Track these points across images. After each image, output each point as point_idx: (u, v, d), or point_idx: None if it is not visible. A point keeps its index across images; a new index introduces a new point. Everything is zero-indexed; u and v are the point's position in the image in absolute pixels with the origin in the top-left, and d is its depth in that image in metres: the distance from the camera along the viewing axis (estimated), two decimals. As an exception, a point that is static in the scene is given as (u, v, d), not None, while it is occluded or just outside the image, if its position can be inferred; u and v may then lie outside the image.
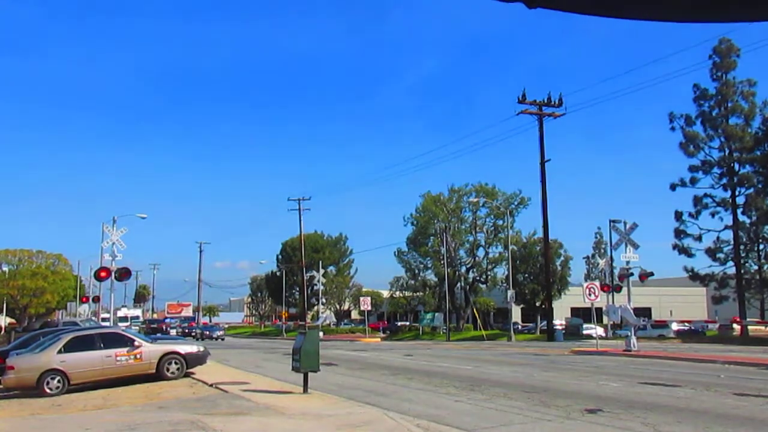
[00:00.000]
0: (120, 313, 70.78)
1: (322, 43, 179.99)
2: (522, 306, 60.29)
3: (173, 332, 63.31)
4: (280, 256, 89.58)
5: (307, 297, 74.57)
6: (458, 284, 62.44)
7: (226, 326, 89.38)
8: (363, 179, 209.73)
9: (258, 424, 10.77)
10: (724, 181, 44.19)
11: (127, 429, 10.52)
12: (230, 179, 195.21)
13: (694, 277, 45.79)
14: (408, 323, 69.05)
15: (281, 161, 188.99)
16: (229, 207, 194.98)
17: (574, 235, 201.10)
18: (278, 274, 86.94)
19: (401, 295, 68.92)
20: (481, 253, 63.41)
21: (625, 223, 29.98)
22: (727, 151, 44.34)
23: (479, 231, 63.46)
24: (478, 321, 57.16)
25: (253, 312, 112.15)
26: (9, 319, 67.64)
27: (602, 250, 63.10)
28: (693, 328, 48.84)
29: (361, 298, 61.38)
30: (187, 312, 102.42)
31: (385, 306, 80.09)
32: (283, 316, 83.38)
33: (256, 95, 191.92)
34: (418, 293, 66.85)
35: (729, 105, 43.78)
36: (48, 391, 16.56)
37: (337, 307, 79.06)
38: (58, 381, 16.79)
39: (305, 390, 14.29)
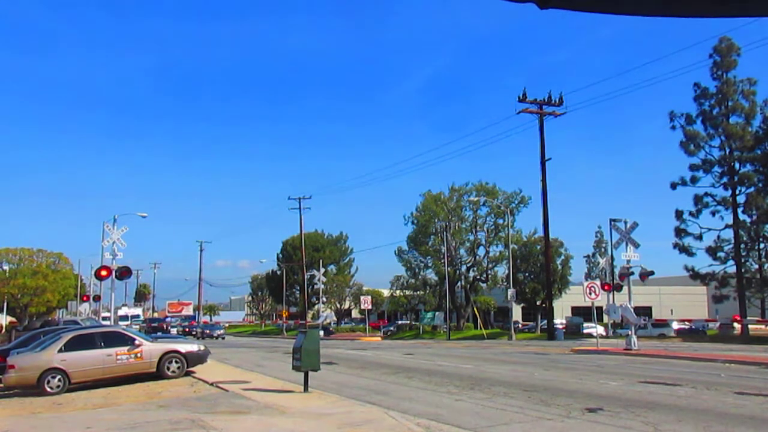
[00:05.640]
0: (121, 312, 70.86)
1: (324, 43, 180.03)
2: (522, 305, 60.27)
3: (174, 331, 63.32)
4: (280, 255, 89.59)
5: (307, 296, 74.58)
6: (459, 283, 62.42)
7: (227, 325, 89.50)
8: (364, 178, 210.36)
9: (258, 423, 10.78)
10: (725, 179, 44.13)
11: (127, 428, 10.52)
12: (231, 178, 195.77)
13: (695, 276, 45.75)
14: (408, 322, 69.06)
15: (282, 160, 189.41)
16: (229, 206, 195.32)
17: (574, 234, 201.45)
18: (279, 273, 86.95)
19: (402, 294, 68.91)
20: (481, 251, 63.45)
21: (625, 222, 29.94)
22: (727, 150, 44.28)
23: (480, 230, 63.43)
24: (479, 320, 57.15)
25: (254, 311, 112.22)
26: (9, 318, 67.64)
27: (603, 249, 63.23)
28: (693, 327, 48.79)
29: (362, 297, 61.40)
30: (188, 311, 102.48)
31: (386, 305, 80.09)
32: (284, 315, 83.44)
33: (256, 94, 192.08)
34: (418, 292, 66.81)
35: (729, 104, 43.70)
36: (48, 390, 16.57)
37: (338, 306, 79.06)
38: (59, 380, 16.81)
39: (306, 389, 14.30)
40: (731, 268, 44.24)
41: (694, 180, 44.72)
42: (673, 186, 45.33)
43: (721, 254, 44.29)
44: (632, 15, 1.69)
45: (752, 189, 43.31)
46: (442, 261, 58.37)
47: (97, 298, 49.10)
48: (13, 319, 67.48)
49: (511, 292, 47.40)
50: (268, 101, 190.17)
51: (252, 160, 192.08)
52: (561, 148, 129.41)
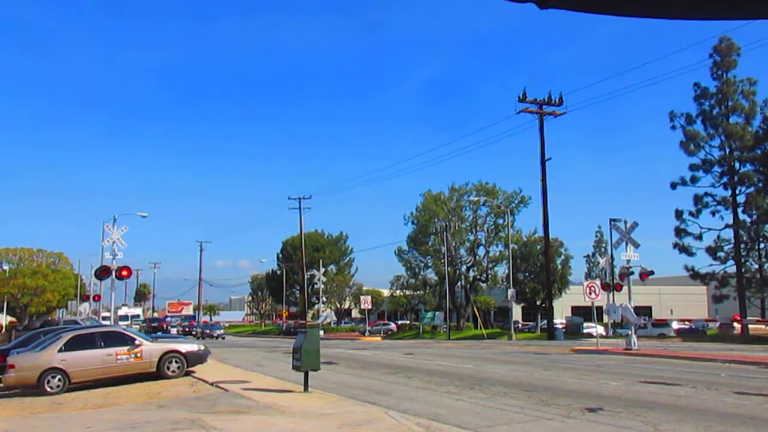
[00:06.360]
0: (120, 312, 70.88)
1: (324, 43, 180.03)
2: (522, 305, 60.26)
3: (174, 331, 63.33)
4: (280, 255, 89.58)
5: (307, 296, 74.57)
6: (459, 283, 62.40)
7: (227, 325, 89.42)
8: (364, 178, 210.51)
9: (258, 422, 10.77)
10: (725, 179, 44.15)
11: (127, 428, 10.52)
12: (231, 178, 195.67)
13: (695, 275, 45.75)
14: (408, 322, 69.06)
15: (282, 160, 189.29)
16: (229, 205, 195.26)
17: (574, 234, 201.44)
18: (279, 272, 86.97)
19: (402, 293, 68.91)
20: (481, 251, 63.44)
21: (625, 222, 29.94)
22: (727, 150, 44.29)
23: (480, 230, 63.42)
24: (479, 320, 57.15)
25: (254, 311, 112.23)
26: (9, 318, 67.63)
27: (603, 249, 63.12)
28: (693, 326, 48.78)
29: (362, 297, 61.38)
30: (188, 311, 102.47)
31: (386, 305, 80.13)
32: (284, 315, 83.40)
33: (256, 94, 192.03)
34: (418, 292, 66.80)
35: (729, 104, 43.72)
36: (48, 389, 16.57)
37: (338, 305, 79.10)
38: (59, 380, 16.81)
39: (306, 389, 14.29)
40: (731, 268, 44.25)
41: (694, 180, 44.74)
42: (673, 186, 45.37)
43: (721, 254, 44.30)
44: (632, 16, 1.69)
45: (752, 189, 43.32)
46: (442, 261, 58.37)
47: (97, 298, 49.09)
48: (13, 319, 67.46)
49: (511, 292, 47.40)
50: (268, 101, 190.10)
51: (252, 160, 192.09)
52: (561, 148, 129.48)
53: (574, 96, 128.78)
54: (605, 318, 43.37)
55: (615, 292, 36.30)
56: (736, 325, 42.99)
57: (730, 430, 9.42)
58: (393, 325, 67.14)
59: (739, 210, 43.93)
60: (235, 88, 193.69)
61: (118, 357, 17.68)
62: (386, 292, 76.26)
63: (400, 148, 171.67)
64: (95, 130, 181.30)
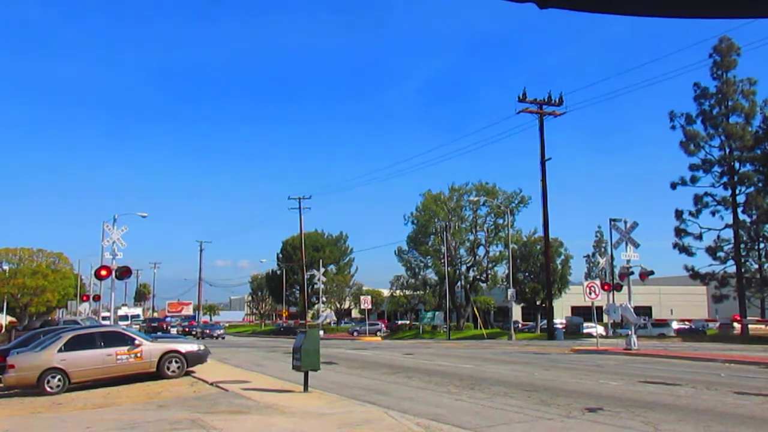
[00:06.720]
0: (120, 312, 70.84)
1: (324, 43, 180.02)
2: (522, 305, 60.26)
3: (174, 331, 63.34)
4: (280, 255, 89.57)
5: (307, 296, 74.57)
6: (459, 283, 62.41)
7: (227, 325, 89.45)
8: (364, 178, 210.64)
9: (258, 422, 10.77)
10: (725, 179, 44.16)
11: (127, 428, 10.52)
12: (231, 177, 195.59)
13: (695, 275, 45.76)
14: (408, 322, 69.06)
15: (282, 160, 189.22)
16: (229, 205, 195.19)
17: (574, 234, 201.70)
18: (279, 272, 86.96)
19: (402, 293, 68.92)
20: (481, 251, 63.46)
21: (625, 222, 29.95)
22: (727, 150, 44.30)
23: (480, 230, 63.44)
24: (479, 320, 57.15)
25: (254, 311, 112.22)
26: (9, 318, 67.62)
27: (603, 249, 63.20)
28: (693, 326, 48.79)
29: (362, 297, 61.39)
30: (188, 311, 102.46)
31: (386, 305, 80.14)
32: (284, 315, 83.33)
33: (257, 93, 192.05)
34: (418, 292, 66.81)
35: (729, 104, 43.74)
36: (48, 389, 16.57)
37: (338, 305, 79.09)
38: (59, 380, 16.81)
39: (306, 389, 14.30)
40: (731, 267, 44.27)
41: (694, 180, 44.75)
42: (673, 186, 45.39)
43: (721, 254, 44.31)
44: (632, 15, 1.70)
45: (752, 189, 43.34)
46: (442, 261, 58.37)
47: (97, 298, 49.05)
48: (13, 319, 67.44)
49: (511, 292, 47.40)
50: (268, 101, 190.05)
51: (252, 160, 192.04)
52: (561, 148, 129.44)
53: (574, 96, 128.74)
54: (605, 318, 43.39)
55: (615, 292, 36.30)
56: (736, 325, 43.00)
57: (730, 430, 9.42)
58: (382, 325, 67.13)
59: (739, 210, 43.96)
60: (235, 88, 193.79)
61: (118, 357, 17.68)
62: (386, 292, 76.25)
63: (400, 148, 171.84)
64: (95, 130, 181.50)
